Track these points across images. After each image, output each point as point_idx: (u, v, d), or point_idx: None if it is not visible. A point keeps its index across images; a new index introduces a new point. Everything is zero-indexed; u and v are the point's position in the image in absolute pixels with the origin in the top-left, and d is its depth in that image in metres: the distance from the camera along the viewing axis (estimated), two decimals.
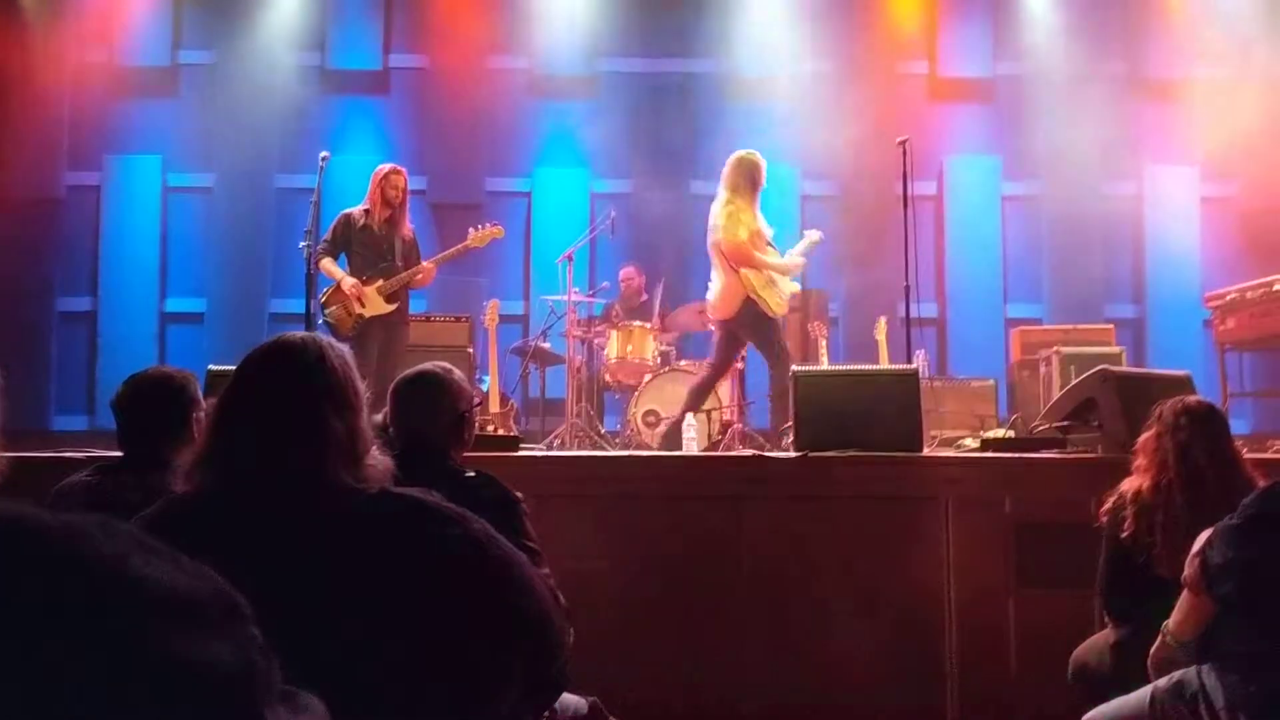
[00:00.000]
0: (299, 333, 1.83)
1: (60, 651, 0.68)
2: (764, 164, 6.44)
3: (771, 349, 6.37)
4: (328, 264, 6.46)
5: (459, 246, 6.76)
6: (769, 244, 6.41)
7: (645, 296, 8.28)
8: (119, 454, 2.84)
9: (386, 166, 6.57)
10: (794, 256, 6.58)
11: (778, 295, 6.31)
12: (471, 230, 6.76)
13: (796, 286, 6.69)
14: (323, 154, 6.26)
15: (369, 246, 6.43)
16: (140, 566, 0.74)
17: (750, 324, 6.34)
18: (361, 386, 1.80)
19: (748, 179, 6.36)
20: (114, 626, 0.70)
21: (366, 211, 6.47)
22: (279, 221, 9.35)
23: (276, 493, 1.66)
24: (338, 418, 1.71)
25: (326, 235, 6.51)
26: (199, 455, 1.75)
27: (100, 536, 0.74)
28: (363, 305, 6.34)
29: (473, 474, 2.61)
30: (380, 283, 6.38)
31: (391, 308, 6.44)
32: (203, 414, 2.71)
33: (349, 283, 6.37)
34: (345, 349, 1.82)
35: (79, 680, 0.68)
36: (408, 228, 6.61)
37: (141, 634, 0.71)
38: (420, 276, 6.52)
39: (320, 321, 6.44)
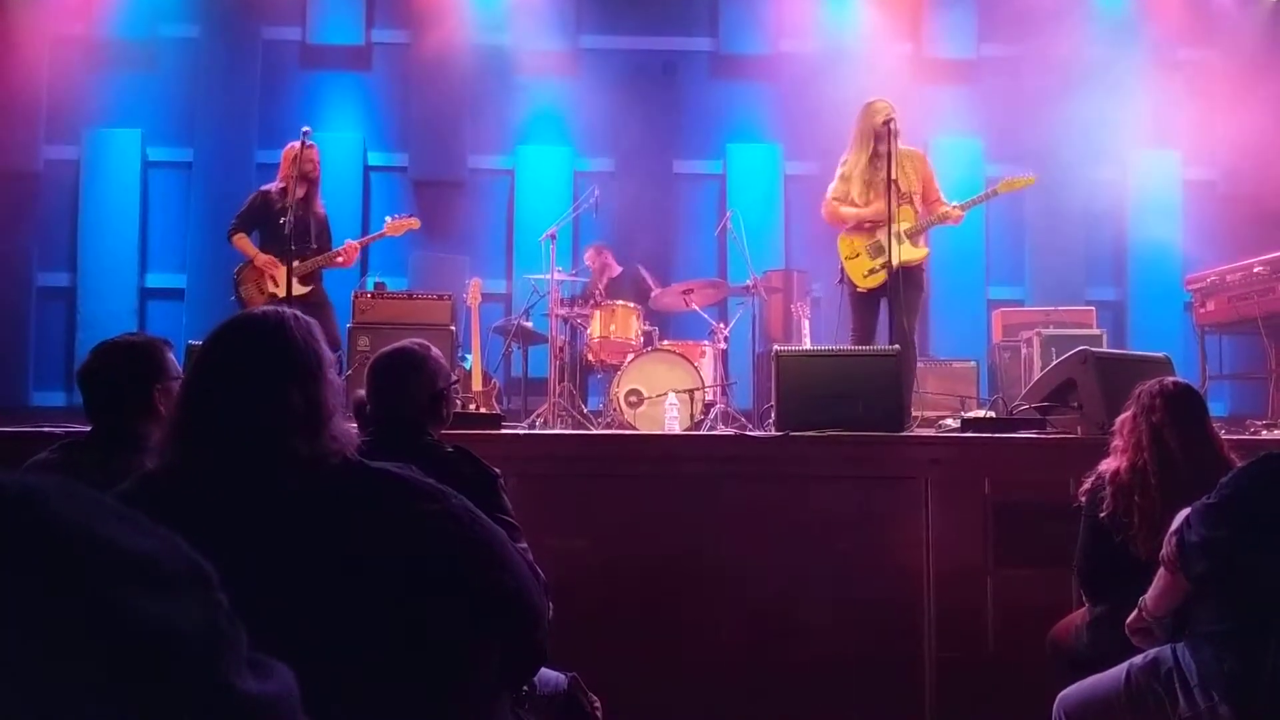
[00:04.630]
0: (262, 307, 1.83)
1: (14, 609, 0.67)
2: (878, 109, 5.83)
3: (853, 324, 5.97)
4: (241, 240, 6.45)
5: (375, 234, 6.85)
6: (910, 203, 5.78)
7: (618, 270, 8.24)
8: (88, 430, 2.79)
9: (298, 143, 6.42)
10: (942, 209, 5.90)
11: (863, 266, 5.87)
12: (388, 219, 6.83)
13: (914, 253, 5.79)
14: (304, 129, 6.21)
15: (285, 226, 6.24)
16: (98, 527, 0.73)
17: (847, 294, 6.04)
18: (328, 356, 1.80)
19: (859, 128, 5.93)
20: (69, 584, 0.70)
21: (283, 190, 6.40)
22: None
23: (238, 466, 1.65)
24: (296, 388, 1.70)
25: (240, 210, 6.51)
26: (168, 431, 1.75)
27: (57, 496, 0.73)
28: (275, 284, 6.28)
29: (450, 450, 2.61)
30: (295, 263, 6.29)
31: (306, 289, 6.38)
32: (173, 384, 2.66)
33: (263, 259, 6.36)
34: (311, 320, 1.82)
35: (33, 637, 0.67)
36: (320, 207, 6.57)
37: (98, 592, 0.70)
38: (341, 258, 6.49)
39: (230, 299, 6.42)
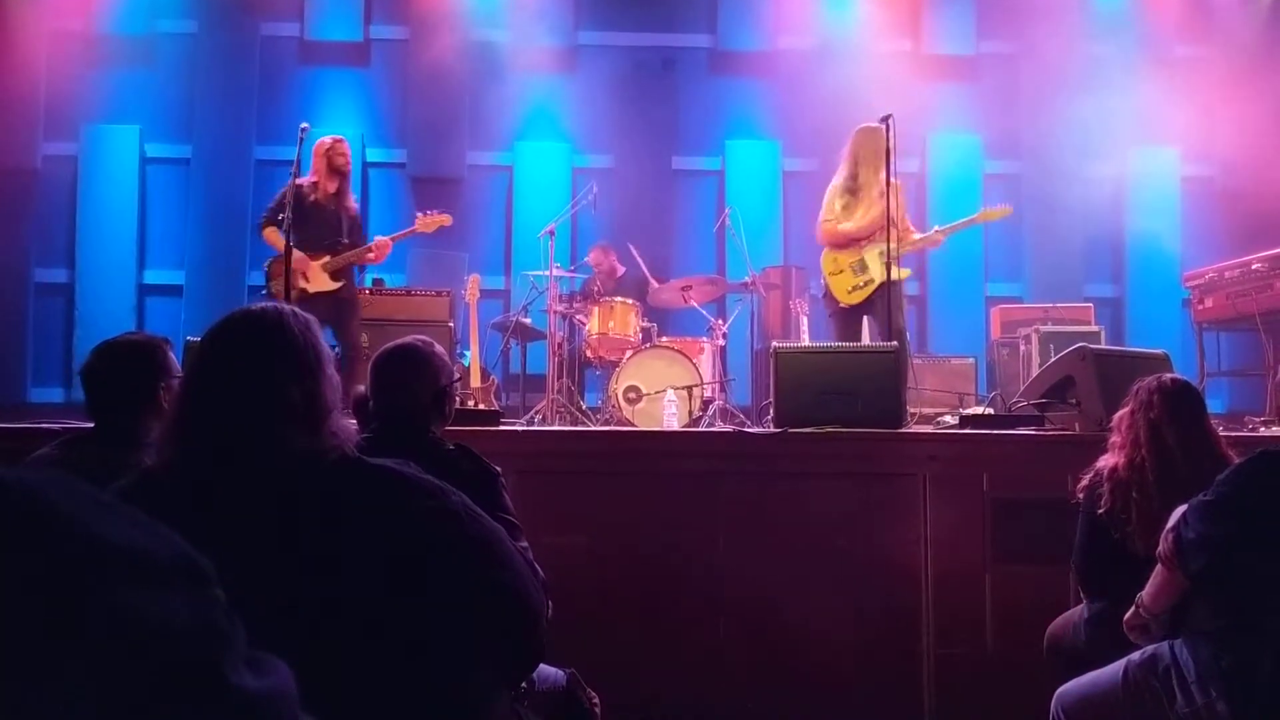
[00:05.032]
0: (261, 303, 1.83)
1: (11, 604, 0.67)
2: (868, 134, 6.06)
3: (837, 339, 6.16)
4: (271, 233, 6.33)
5: (407, 230, 6.73)
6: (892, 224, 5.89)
7: (623, 270, 8.25)
8: (90, 426, 2.81)
9: (330, 138, 6.50)
10: (920, 235, 6.17)
11: (846, 283, 6.08)
12: (419, 215, 6.76)
13: (897, 272, 5.84)
14: (302, 125, 6.19)
15: (316, 220, 6.32)
16: (96, 523, 0.73)
17: (829, 310, 6.29)
18: (327, 353, 1.80)
19: (870, 149, 6.10)
20: (67, 580, 0.70)
21: (314, 184, 6.39)
22: (258, 193, 9.30)
23: (237, 462, 1.65)
24: (294, 384, 1.70)
25: (271, 204, 6.42)
26: (166, 428, 1.75)
27: (56, 492, 0.73)
28: (306, 280, 6.24)
29: (452, 447, 2.61)
30: (326, 258, 6.30)
31: (337, 285, 6.36)
32: (175, 383, 2.68)
33: (295, 255, 6.22)
34: (309, 317, 1.82)
35: (30, 632, 0.67)
36: (353, 202, 6.56)
37: (93, 587, 0.70)
38: (372, 254, 6.47)
39: (262, 293, 6.39)
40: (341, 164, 6.46)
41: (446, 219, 6.79)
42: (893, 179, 5.72)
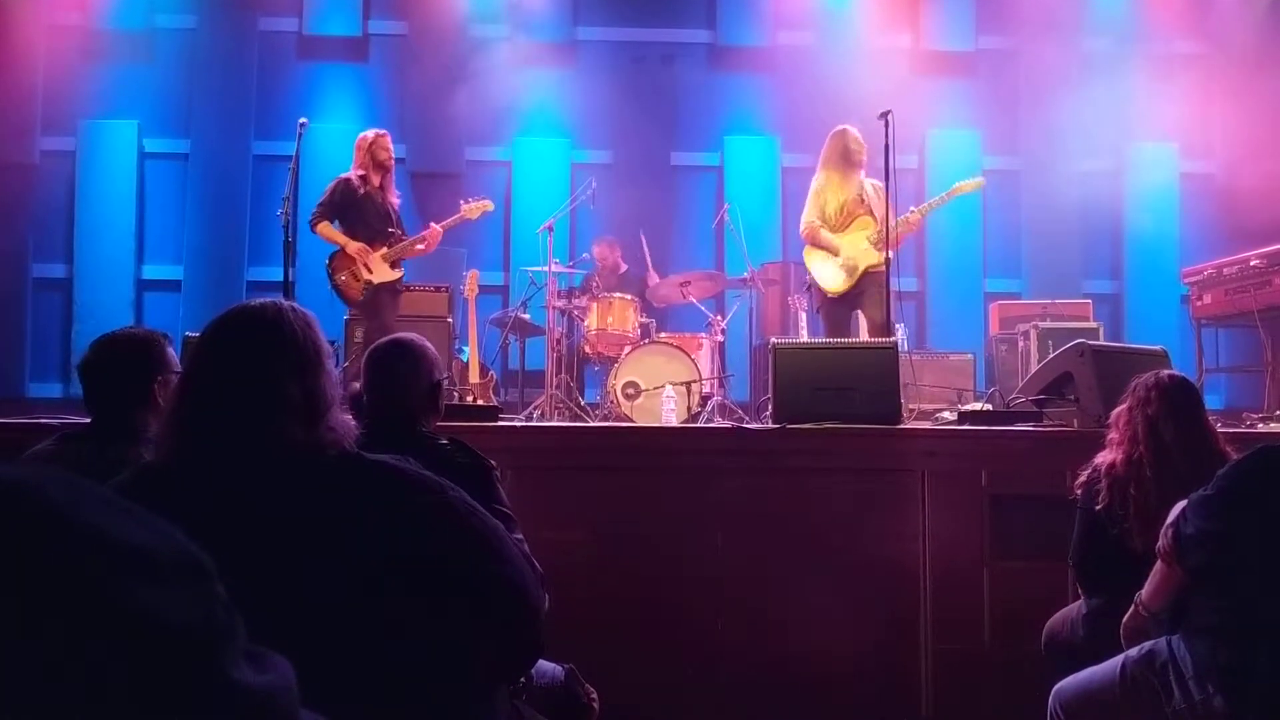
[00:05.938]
0: (260, 299, 1.82)
1: (8, 600, 0.67)
2: (850, 136, 6.29)
3: (826, 329, 6.34)
4: (326, 228, 6.32)
5: (455, 218, 6.72)
6: (870, 214, 6.22)
7: (625, 267, 8.25)
8: (87, 421, 2.81)
9: (372, 132, 6.55)
10: (904, 219, 6.26)
11: (831, 273, 6.23)
12: (463, 202, 6.77)
13: (878, 257, 6.03)
14: (301, 120, 6.18)
15: (369, 213, 6.37)
16: (94, 518, 0.73)
17: (817, 303, 6.44)
18: (326, 348, 1.79)
19: (834, 153, 6.31)
20: (63, 574, 0.70)
21: (362, 177, 6.41)
22: (256, 188, 9.30)
23: (236, 458, 1.65)
24: (293, 380, 1.70)
25: (323, 199, 6.39)
26: (165, 424, 1.75)
27: (54, 488, 0.73)
28: (369, 271, 6.30)
29: (445, 441, 2.61)
30: (385, 249, 6.35)
31: (397, 274, 6.43)
32: (173, 378, 2.67)
33: (355, 246, 6.29)
34: (308, 313, 1.82)
35: (28, 629, 0.67)
36: (395, 195, 6.60)
37: (93, 583, 0.70)
38: (423, 245, 6.49)
39: (329, 288, 6.40)
40: (385, 158, 6.50)
41: (489, 204, 6.83)
42: (868, 180, 6.06)
